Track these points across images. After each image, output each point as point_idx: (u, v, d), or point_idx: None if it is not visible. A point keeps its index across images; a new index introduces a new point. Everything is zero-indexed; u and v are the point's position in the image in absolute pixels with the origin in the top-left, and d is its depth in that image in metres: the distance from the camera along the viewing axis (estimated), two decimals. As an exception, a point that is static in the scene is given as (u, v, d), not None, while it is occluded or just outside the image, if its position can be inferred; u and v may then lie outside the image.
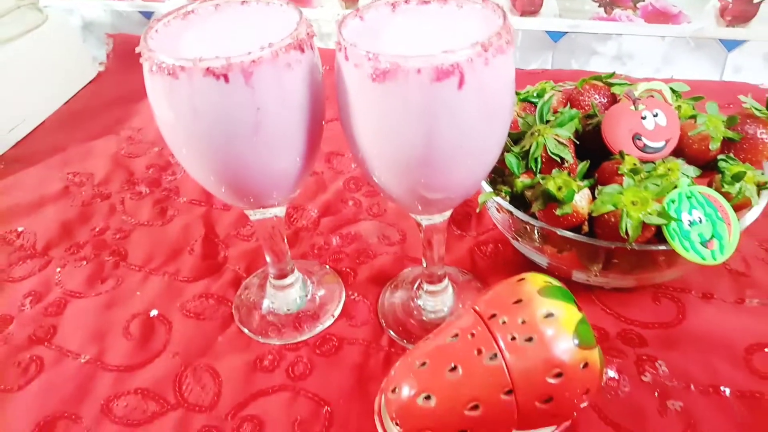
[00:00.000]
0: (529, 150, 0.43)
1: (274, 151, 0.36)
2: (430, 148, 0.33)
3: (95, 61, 0.86)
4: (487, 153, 0.35)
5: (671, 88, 0.48)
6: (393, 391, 0.34)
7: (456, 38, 0.35)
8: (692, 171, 0.43)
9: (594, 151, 0.45)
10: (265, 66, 0.32)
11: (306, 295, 0.48)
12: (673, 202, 0.39)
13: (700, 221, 0.39)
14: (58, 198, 0.63)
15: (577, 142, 0.44)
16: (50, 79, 0.78)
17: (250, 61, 0.32)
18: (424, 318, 0.46)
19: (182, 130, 0.35)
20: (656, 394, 0.39)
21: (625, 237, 0.39)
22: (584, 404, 0.33)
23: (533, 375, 0.32)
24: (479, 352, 0.33)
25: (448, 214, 0.41)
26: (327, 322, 0.46)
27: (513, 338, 0.32)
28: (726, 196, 0.41)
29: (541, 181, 0.41)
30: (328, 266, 0.52)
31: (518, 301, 0.34)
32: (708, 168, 0.45)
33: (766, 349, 0.41)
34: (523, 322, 0.33)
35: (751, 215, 0.42)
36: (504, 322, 0.33)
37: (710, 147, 0.44)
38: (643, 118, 0.44)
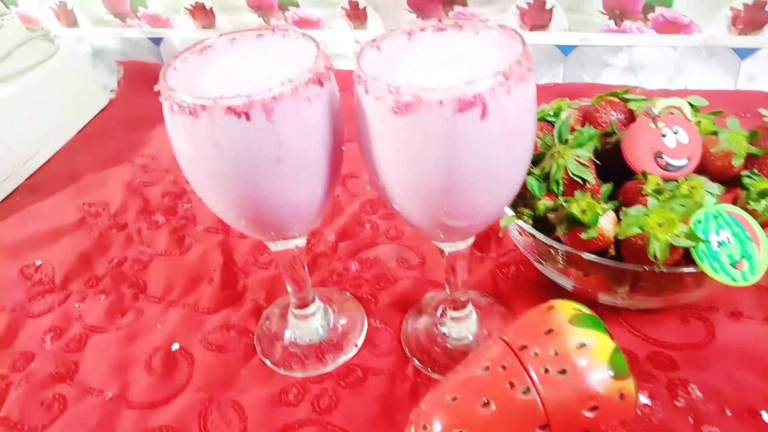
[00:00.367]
0: (549, 172, 0.43)
1: (295, 183, 0.36)
2: (453, 178, 0.32)
3: (106, 89, 0.86)
4: (510, 179, 0.35)
5: (689, 103, 0.48)
6: (424, 427, 0.33)
7: (474, 65, 0.34)
8: (716, 188, 0.43)
9: (614, 170, 0.44)
10: (286, 102, 0.32)
11: (328, 324, 0.48)
12: (699, 222, 0.39)
13: (729, 241, 0.39)
14: (74, 229, 0.63)
15: (598, 162, 0.44)
16: (63, 109, 0.78)
17: (270, 97, 0.32)
18: (448, 345, 0.45)
19: (203, 167, 0.34)
20: (691, 419, 0.38)
21: (654, 260, 0.38)
22: (620, 435, 0.32)
23: (568, 409, 0.31)
24: (512, 385, 0.32)
25: (471, 240, 0.40)
26: (350, 352, 0.46)
27: (546, 371, 0.32)
28: (752, 213, 0.41)
29: (564, 204, 0.41)
30: (348, 293, 0.51)
31: (549, 331, 0.34)
32: (731, 184, 0.44)
33: (800, 369, 0.41)
34: (556, 354, 0.32)
35: (780, 232, 0.41)
36: (536, 354, 0.33)
37: (733, 163, 0.43)
38: (664, 135, 0.44)
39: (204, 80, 0.36)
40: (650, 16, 0.67)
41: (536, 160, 0.45)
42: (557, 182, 0.43)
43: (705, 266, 0.38)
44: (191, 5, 0.83)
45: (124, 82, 0.87)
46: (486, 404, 0.32)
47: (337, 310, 0.49)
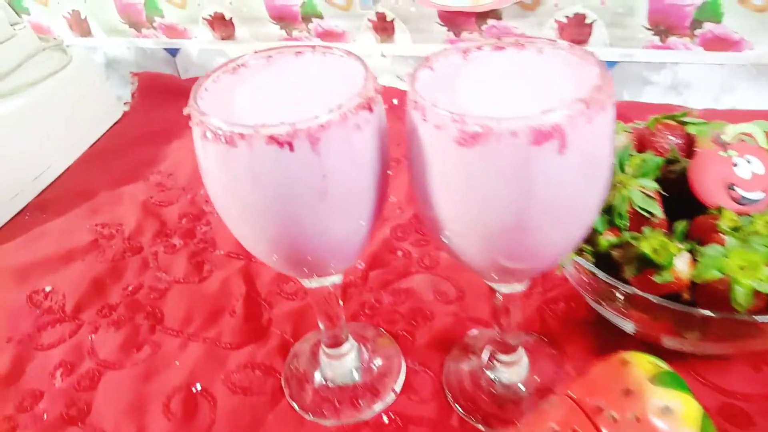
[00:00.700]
0: (612, 204, 0.39)
1: (340, 218, 0.32)
2: (523, 217, 0.29)
3: (120, 101, 0.83)
4: (586, 216, 0.31)
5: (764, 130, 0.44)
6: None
7: (542, 90, 0.31)
8: (796, 224, 0.39)
9: (678, 201, 0.41)
10: (333, 130, 0.28)
11: (362, 365, 0.44)
12: (785, 264, 0.35)
13: (818, 286, 0.35)
14: (86, 252, 0.59)
15: (665, 194, 0.40)
16: (75, 122, 0.75)
17: (317, 126, 0.28)
18: (496, 392, 0.41)
19: (238, 199, 0.31)
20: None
21: (736, 307, 0.34)
22: None
23: (657, 487, 0.27)
24: (589, 456, 0.28)
25: (528, 281, 0.37)
26: (388, 398, 0.42)
27: (629, 440, 0.28)
28: (840, 253, 0.37)
29: (632, 241, 0.37)
30: (382, 329, 0.47)
31: (627, 392, 0.30)
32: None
33: None
34: (637, 419, 0.28)
35: None
36: (613, 419, 0.29)
37: (815, 196, 0.39)
38: (735, 165, 0.40)
39: (239, 103, 0.32)
40: (698, 32, 0.63)
41: (594, 190, 0.41)
42: (621, 216, 0.39)
43: (795, 315, 0.34)
44: (210, 15, 0.79)
45: (139, 94, 0.84)
46: (560, 478, 0.28)
47: (371, 348, 0.45)
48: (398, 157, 0.48)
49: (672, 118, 0.47)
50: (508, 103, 0.30)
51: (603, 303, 0.42)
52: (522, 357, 0.42)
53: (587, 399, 0.31)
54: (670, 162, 0.43)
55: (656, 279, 0.36)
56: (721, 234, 0.37)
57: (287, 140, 0.28)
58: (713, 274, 0.35)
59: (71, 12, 0.87)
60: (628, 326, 0.42)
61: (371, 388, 0.42)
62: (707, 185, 0.39)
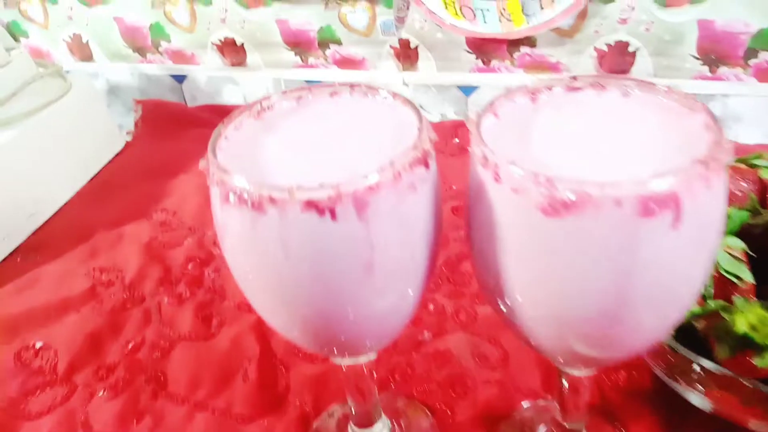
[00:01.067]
0: (693, 267, 0.34)
1: (384, 294, 0.26)
2: (617, 301, 0.23)
3: (122, 130, 0.78)
4: (688, 299, 0.25)
5: None
6: None
7: (633, 144, 0.25)
8: None
9: (761, 259, 0.35)
10: (384, 193, 0.23)
11: (397, 447, 0.38)
12: None
13: None
14: (83, 302, 0.53)
15: (753, 255, 0.34)
16: (73, 154, 0.69)
17: (365, 188, 0.23)
18: (555, 484, 0.35)
19: (264, 273, 0.25)
20: None
21: None
22: None
23: None
24: None
25: (602, 361, 0.31)
26: (431, 491, 0.36)
27: None
28: None
29: (722, 314, 0.31)
30: (416, 401, 0.41)
31: None
32: None
33: None
34: None
35: None
36: None
37: None
38: (831, 218, 0.34)
39: (265, 156, 0.27)
40: (752, 62, 0.58)
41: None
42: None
43: None
44: (220, 40, 0.75)
45: (143, 123, 0.78)
46: None
47: (405, 426, 0.40)
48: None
49: (743, 161, 0.42)
50: (593, 161, 0.25)
51: (678, 378, 0.36)
52: (586, 443, 0.36)
53: None
54: (751, 212, 0.38)
55: (756, 362, 0.30)
56: (826, 305, 0.31)
57: (329, 206, 0.22)
58: (829, 358, 0.29)
59: (72, 36, 0.82)
60: (706, 404, 0.37)
61: (409, 476, 0.37)
62: (802, 243, 0.34)
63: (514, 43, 0.62)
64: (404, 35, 0.66)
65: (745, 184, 0.40)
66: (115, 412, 0.43)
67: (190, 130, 0.77)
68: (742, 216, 0.35)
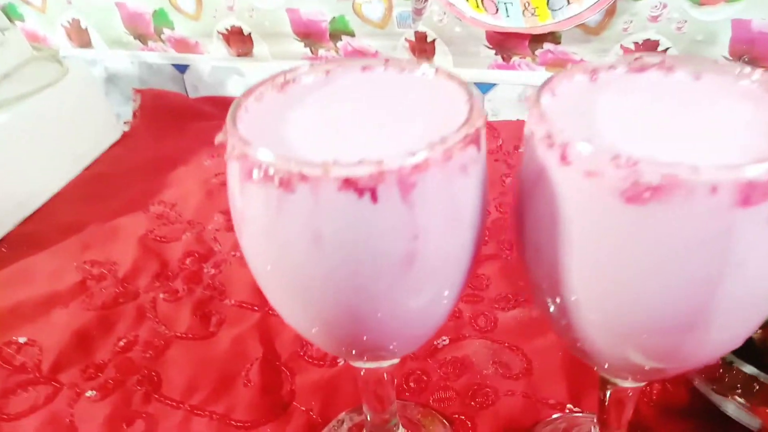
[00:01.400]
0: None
1: (423, 291, 0.23)
2: (699, 301, 0.20)
3: (119, 120, 0.74)
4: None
5: None
6: None
7: (711, 130, 0.22)
8: None
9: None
10: (433, 173, 0.20)
11: (414, 462, 0.35)
12: None
13: None
14: (72, 296, 0.50)
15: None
16: (67, 142, 0.66)
17: (412, 166, 0.19)
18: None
19: (288, 263, 0.22)
20: None
21: None
22: None
23: None
24: None
25: (652, 373, 0.28)
26: None
27: None
28: None
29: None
30: (433, 411, 0.38)
31: None
32: None
33: None
34: None
35: None
36: None
37: None
38: None
39: (291, 132, 0.23)
40: (785, 65, 0.55)
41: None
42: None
43: None
44: (227, 29, 0.71)
45: (141, 113, 0.75)
46: None
47: (423, 438, 0.36)
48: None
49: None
50: (663, 147, 0.22)
51: (723, 392, 0.33)
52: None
53: None
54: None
55: (828, 379, 0.27)
56: None
57: (369, 186, 0.19)
58: None
59: (71, 21, 0.79)
60: (753, 422, 0.34)
61: (427, 494, 0.33)
62: None
63: (537, 39, 0.60)
64: (421, 28, 0.63)
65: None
66: (104, 414, 0.40)
67: (190, 122, 0.73)
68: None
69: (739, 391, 0.33)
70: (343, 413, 0.39)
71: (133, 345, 0.45)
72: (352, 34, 0.67)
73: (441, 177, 0.20)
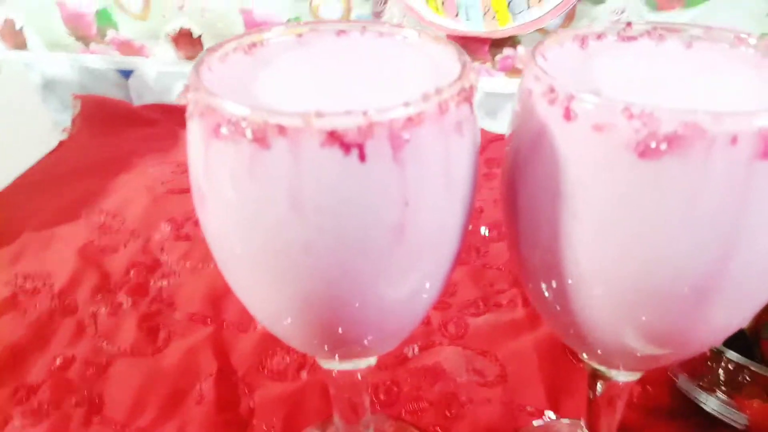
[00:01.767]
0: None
1: (411, 269, 0.21)
2: (714, 267, 0.19)
3: (57, 127, 0.69)
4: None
5: None
6: None
7: (700, 93, 0.21)
8: None
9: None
10: (428, 127, 0.18)
11: (390, 477, 0.32)
12: None
13: None
14: (1, 312, 0.45)
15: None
16: (-2, 149, 0.60)
17: (405, 118, 0.17)
18: None
19: (260, 234, 0.19)
20: None
21: None
22: None
23: None
24: None
25: (646, 366, 0.26)
26: None
27: None
28: None
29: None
30: (407, 423, 0.36)
31: None
32: None
33: None
34: None
35: None
36: None
37: None
38: None
39: (261, 94, 0.21)
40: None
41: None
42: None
43: None
44: (175, 30, 0.68)
45: (81, 120, 0.70)
46: None
47: (398, 452, 0.33)
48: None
49: None
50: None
51: (709, 389, 0.32)
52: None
53: None
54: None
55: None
56: None
57: (357, 141, 0.17)
58: None
59: (4, 21, 0.73)
60: (740, 419, 0.32)
61: None
62: None
63: (497, 44, 0.59)
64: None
65: None
66: (36, 441, 0.35)
67: (134, 129, 0.69)
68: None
69: (724, 388, 0.32)
70: (309, 428, 0.35)
71: (71, 363, 0.40)
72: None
73: (436, 133, 0.18)
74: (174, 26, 0.67)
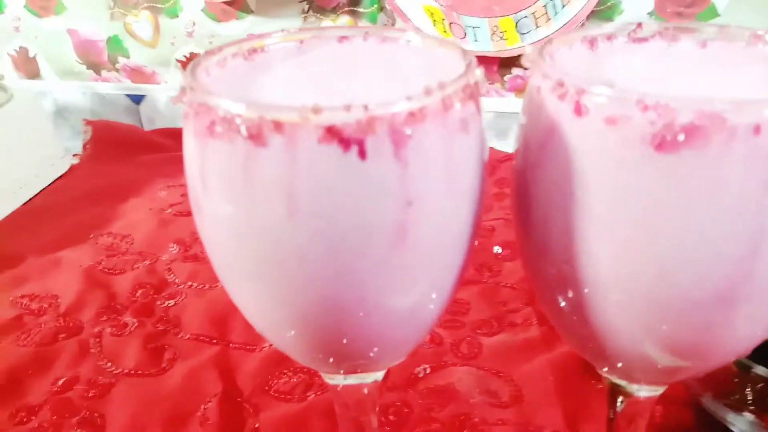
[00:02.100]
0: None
1: (416, 275, 0.20)
2: (741, 268, 0.18)
3: (68, 153, 0.70)
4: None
5: None
6: None
7: (720, 93, 0.20)
8: None
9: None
10: (431, 124, 0.17)
11: (399, 503, 0.30)
12: None
13: None
14: (5, 333, 0.44)
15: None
16: (8, 174, 0.61)
17: (407, 114, 0.16)
18: None
19: (256, 238, 0.18)
20: None
21: None
22: None
23: None
24: None
25: (668, 380, 0.25)
26: None
27: None
28: None
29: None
30: (418, 444, 0.34)
31: None
32: None
33: None
34: None
35: None
36: None
37: None
38: None
39: (258, 97, 0.20)
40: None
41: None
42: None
43: None
44: (185, 56, 0.69)
45: (92, 145, 0.70)
46: None
47: (408, 476, 0.32)
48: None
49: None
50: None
51: (737, 408, 0.30)
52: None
53: None
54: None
55: None
56: None
57: (357, 137, 0.16)
58: None
59: (18, 49, 0.75)
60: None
61: None
62: None
63: (505, 64, 0.59)
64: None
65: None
66: (35, 465, 0.34)
67: (144, 155, 0.69)
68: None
69: (753, 407, 0.30)
70: (315, 451, 0.34)
71: (74, 384, 0.40)
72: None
73: (440, 130, 0.17)
74: (183, 52, 0.68)
